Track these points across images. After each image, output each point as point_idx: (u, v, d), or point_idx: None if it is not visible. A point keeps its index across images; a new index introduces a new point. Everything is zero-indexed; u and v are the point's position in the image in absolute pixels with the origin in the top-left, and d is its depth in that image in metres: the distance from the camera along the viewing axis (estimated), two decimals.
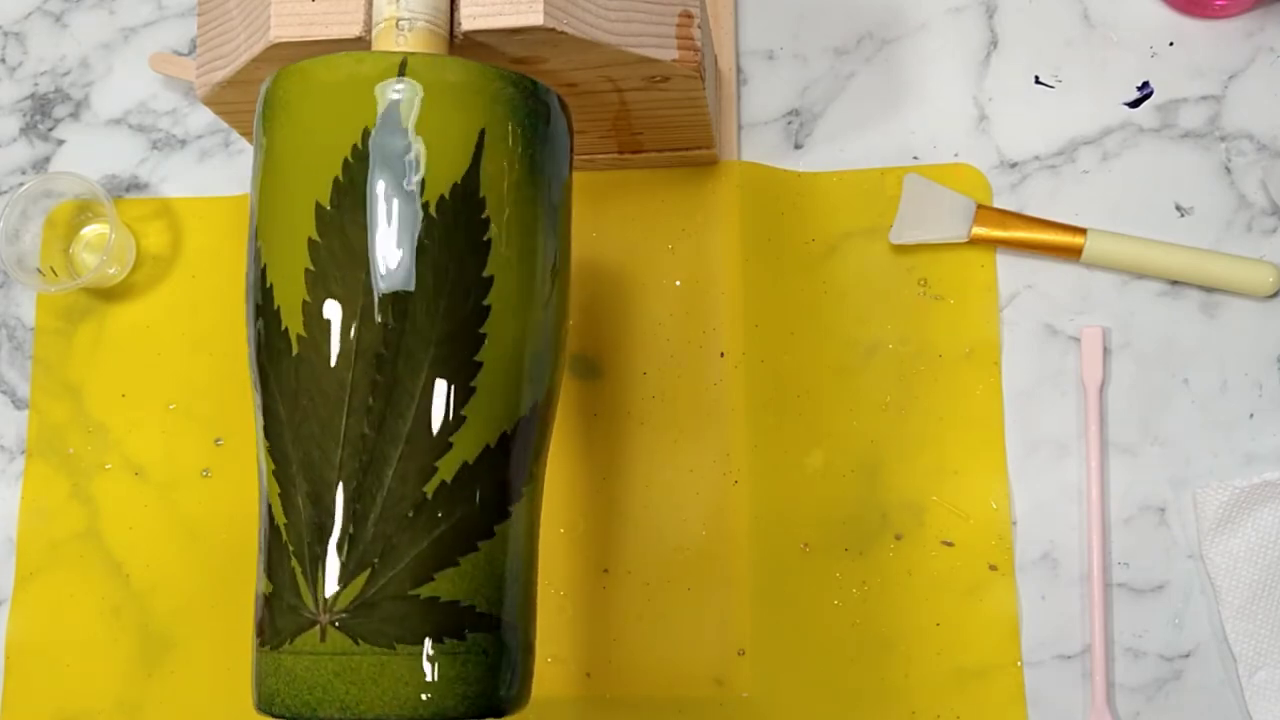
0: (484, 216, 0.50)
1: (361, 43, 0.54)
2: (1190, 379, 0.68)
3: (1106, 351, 0.69)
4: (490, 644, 0.50)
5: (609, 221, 0.72)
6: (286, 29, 0.54)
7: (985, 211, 0.70)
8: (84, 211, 0.76)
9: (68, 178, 0.74)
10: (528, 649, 0.52)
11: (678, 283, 0.71)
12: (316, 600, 0.49)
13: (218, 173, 0.77)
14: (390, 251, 0.49)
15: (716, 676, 0.67)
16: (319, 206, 0.50)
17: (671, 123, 0.66)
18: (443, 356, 0.49)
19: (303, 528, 0.50)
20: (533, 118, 0.52)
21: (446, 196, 0.50)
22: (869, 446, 0.69)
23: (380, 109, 0.50)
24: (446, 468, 0.49)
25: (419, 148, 0.50)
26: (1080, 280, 0.70)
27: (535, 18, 0.53)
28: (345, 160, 0.50)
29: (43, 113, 0.79)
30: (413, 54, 0.51)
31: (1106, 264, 0.69)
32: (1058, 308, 0.70)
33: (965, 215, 0.70)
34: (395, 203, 0.49)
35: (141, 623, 0.72)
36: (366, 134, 0.50)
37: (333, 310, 0.50)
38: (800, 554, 0.68)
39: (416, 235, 0.49)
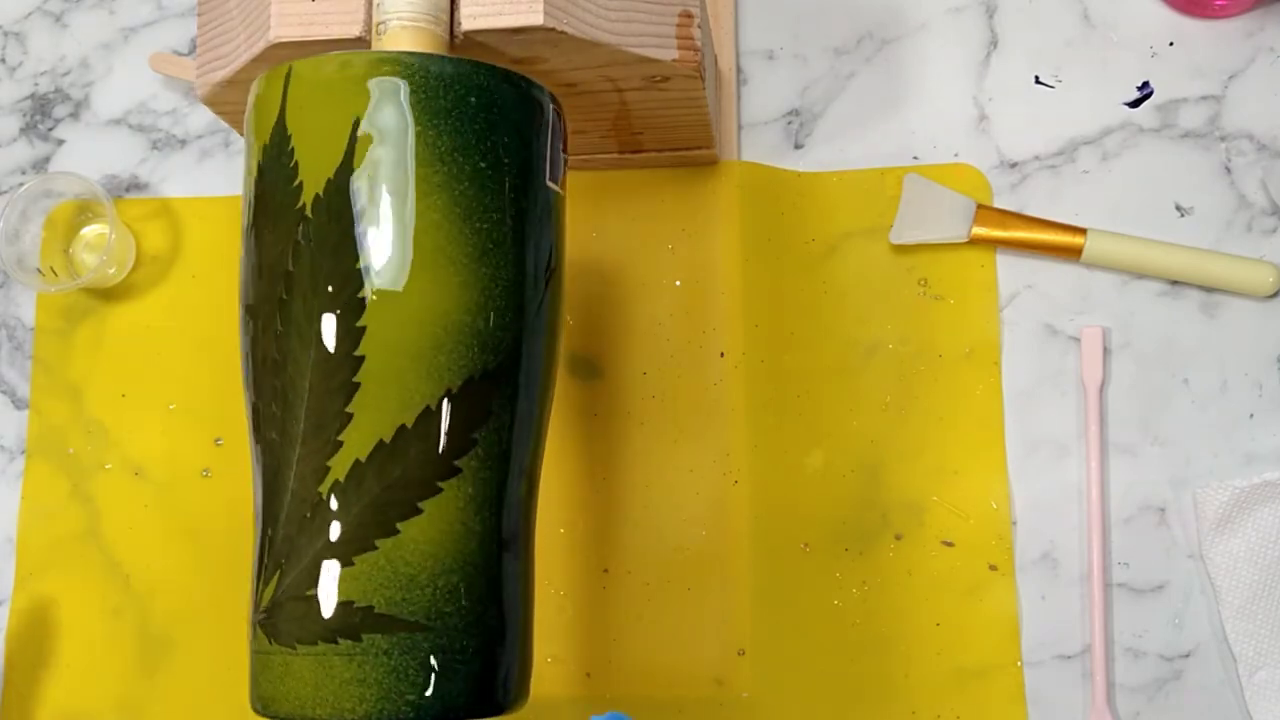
0: (358, 209, 0.50)
1: (362, 43, 0.54)
2: (1190, 379, 0.68)
3: (1106, 351, 0.69)
4: (394, 646, 0.48)
5: (609, 221, 0.72)
6: (286, 29, 0.54)
7: (985, 211, 0.70)
8: (84, 211, 0.76)
9: (68, 178, 0.74)
10: (459, 651, 0.49)
11: (678, 283, 0.71)
12: (255, 600, 0.51)
13: (218, 173, 0.77)
14: (277, 259, 0.50)
15: (716, 676, 0.67)
16: (244, 225, 0.52)
17: (671, 123, 0.66)
18: (323, 355, 0.49)
19: (254, 531, 0.52)
20: (433, 98, 0.50)
21: (321, 194, 0.50)
22: (869, 446, 0.69)
23: (273, 120, 0.51)
24: (339, 466, 0.49)
25: (297, 150, 0.51)
26: (1080, 280, 0.70)
27: (535, 18, 0.53)
28: (254, 177, 0.52)
29: (43, 113, 0.79)
30: (301, 60, 0.51)
31: (1106, 264, 0.69)
32: (1058, 308, 0.70)
33: (965, 215, 0.70)
34: (283, 209, 0.50)
35: (141, 623, 0.72)
36: (264, 148, 0.51)
37: (247, 323, 0.52)
38: (800, 554, 0.68)
39: (294, 237, 0.50)
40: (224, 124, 0.69)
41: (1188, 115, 0.71)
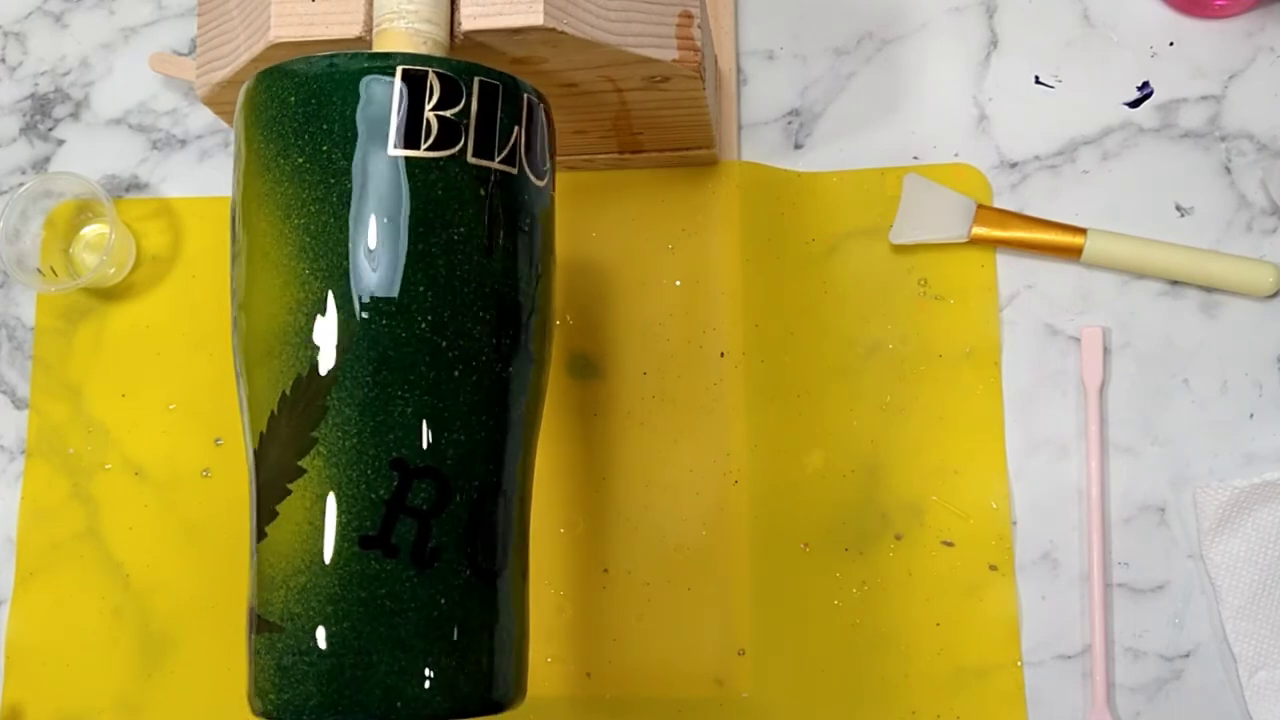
0: (235, 231, 0.52)
1: (362, 43, 0.54)
2: (1190, 379, 0.68)
3: (1106, 351, 0.69)
4: (261, 646, 0.50)
5: (609, 221, 0.72)
6: (286, 29, 0.54)
7: (985, 211, 0.70)
8: (84, 211, 0.76)
9: (68, 178, 0.74)
10: (307, 652, 0.49)
11: (678, 283, 0.71)
12: None
13: (218, 173, 0.77)
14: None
15: (716, 676, 0.67)
16: None
17: (671, 123, 0.66)
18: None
19: None
20: (261, 107, 0.51)
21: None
22: (869, 446, 0.69)
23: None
24: (248, 479, 0.52)
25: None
26: (1080, 280, 0.70)
27: (535, 18, 0.53)
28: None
29: (43, 113, 0.79)
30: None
31: (1106, 264, 0.69)
32: (1058, 308, 0.70)
33: (965, 215, 0.70)
34: None
35: (141, 623, 0.72)
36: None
37: None
38: (800, 554, 0.68)
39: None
40: (224, 124, 0.69)
41: (1188, 115, 0.71)
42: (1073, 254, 0.69)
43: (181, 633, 0.72)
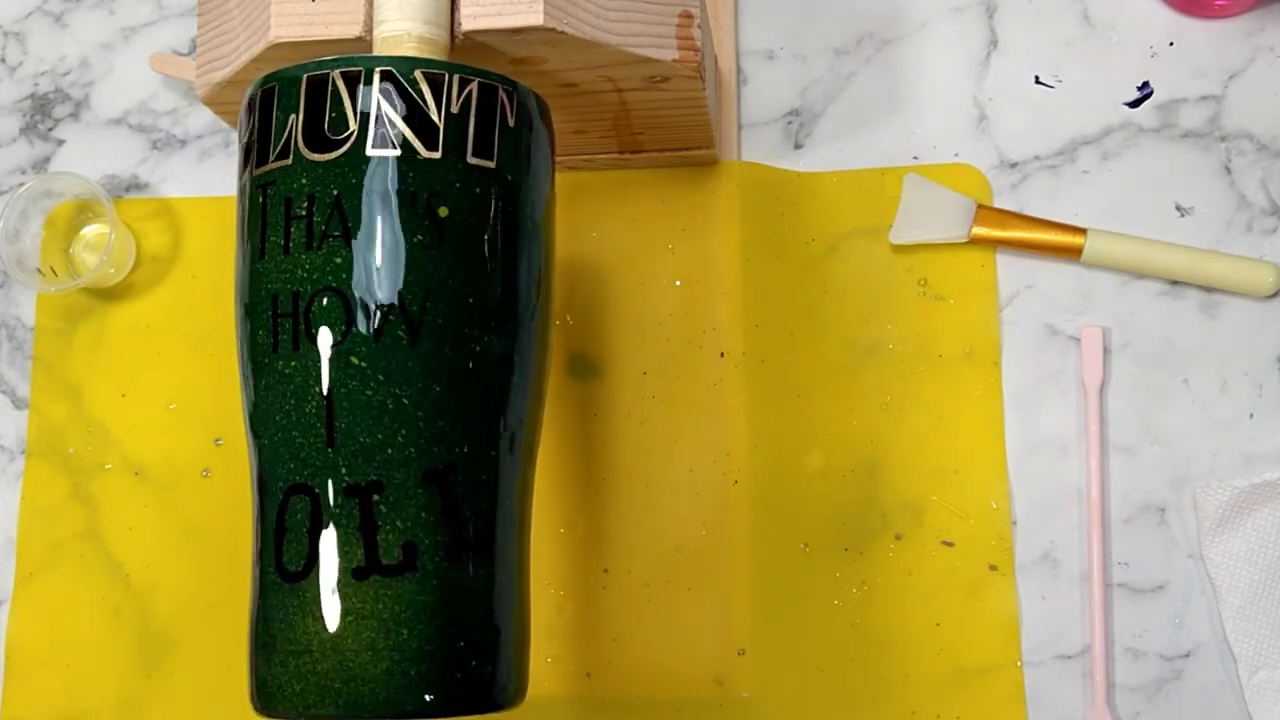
0: None
1: (362, 43, 0.54)
2: (1190, 379, 0.68)
3: (1106, 351, 0.69)
4: None
5: (609, 221, 0.72)
6: (286, 29, 0.54)
7: (985, 211, 0.70)
8: (84, 211, 0.76)
9: (68, 178, 0.74)
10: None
11: (678, 283, 0.71)
12: None
13: (218, 173, 0.77)
14: None
15: (716, 676, 0.67)
16: None
17: (671, 123, 0.66)
18: None
19: None
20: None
21: None
22: (869, 446, 0.69)
23: None
24: None
25: None
26: (1080, 280, 0.70)
27: (535, 18, 0.53)
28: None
29: (43, 113, 0.79)
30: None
31: (1106, 264, 0.69)
32: (1058, 308, 0.70)
33: (965, 215, 0.70)
34: None
35: (141, 623, 0.72)
36: None
37: None
38: (800, 554, 0.68)
39: None
40: (224, 124, 0.69)
41: (1188, 115, 0.71)
42: (1073, 254, 0.69)
43: (181, 633, 0.72)
